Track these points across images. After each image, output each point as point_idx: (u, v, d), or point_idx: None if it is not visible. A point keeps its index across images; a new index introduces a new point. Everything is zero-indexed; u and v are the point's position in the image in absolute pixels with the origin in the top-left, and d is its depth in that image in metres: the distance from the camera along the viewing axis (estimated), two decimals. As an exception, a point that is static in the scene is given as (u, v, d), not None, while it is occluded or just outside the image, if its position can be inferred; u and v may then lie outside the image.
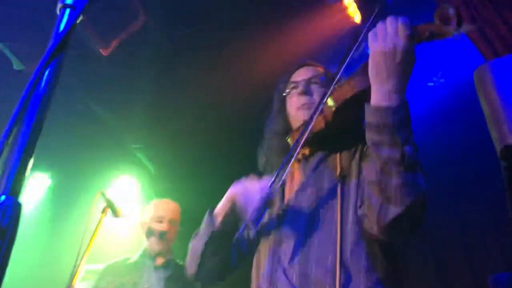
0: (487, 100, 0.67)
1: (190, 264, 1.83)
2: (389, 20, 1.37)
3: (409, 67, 1.34)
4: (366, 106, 1.37)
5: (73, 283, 3.02)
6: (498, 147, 0.66)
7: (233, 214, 1.67)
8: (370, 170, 1.39)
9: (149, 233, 3.30)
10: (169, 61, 4.24)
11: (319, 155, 1.77)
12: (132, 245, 4.98)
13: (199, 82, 4.40)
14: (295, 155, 1.66)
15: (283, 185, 1.79)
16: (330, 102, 1.64)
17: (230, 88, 4.35)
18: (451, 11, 1.32)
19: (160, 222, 3.29)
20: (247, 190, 1.62)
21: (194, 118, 4.79)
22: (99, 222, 3.33)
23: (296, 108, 1.85)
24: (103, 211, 3.38)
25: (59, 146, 4.59)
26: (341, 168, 1.63)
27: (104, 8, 3.17)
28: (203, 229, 1.76)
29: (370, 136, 1.36)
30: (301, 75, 1.91)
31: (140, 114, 4.66)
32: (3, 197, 0.59)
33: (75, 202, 5.13)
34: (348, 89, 1.58)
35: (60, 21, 0.74)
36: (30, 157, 0.63)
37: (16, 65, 3.53)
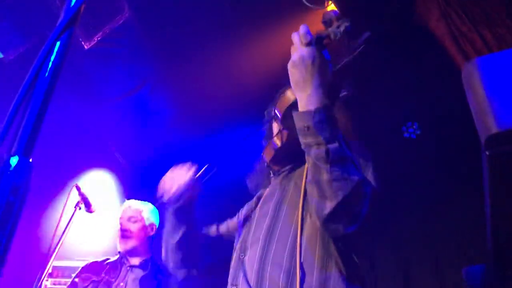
0: (474, 95, 0.72)
1: (162, 257, 2.00)
2: (292, 34, 1.51)
3: (321, 71, 1.46)
4: (293, 113, 1.50)
5: (42, 278, 2.99)
6: (483, 138, 0.71)
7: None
8: (308, 172, 1.49)
9: (117, 233, 3.32)
10: (150, 58, 4.23)
11: (287, 169, 1.87)
12: (106, 242, 4.94)
13: (180, 78, 4.41)
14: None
15: (258, 199, 1.92)
16: (277, 112, 1.78)
17: (212, 84, 4.36)
18: (332, 14, 1.50)
19: (127, 221, 3.31)
20: (172, 175, 1.89)
21: (175, 113, 4.79)
22: (72, 216, 3.31)
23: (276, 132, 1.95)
24: (77, 205, 3.36)
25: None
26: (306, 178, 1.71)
27: (88, 1, 3.15)
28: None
29: (300, 139, 1.48)
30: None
31: (118, 109, 4.63)
32: (16, 157, 0.60)
33: (48, 197, 5.04)
34: (289, 96, 1.70)
35: (71, -4, 0.76)
36: (42, 121, 0.65)
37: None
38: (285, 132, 1.78)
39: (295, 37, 1.49)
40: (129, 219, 3.32)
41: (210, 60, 4.19)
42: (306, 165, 1.67)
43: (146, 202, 3.53)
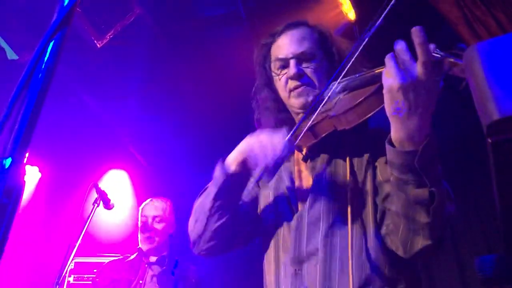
0: (475, 81, 0.70)
1: (194, 225, 1.66)
2: (400, 46, 1.15)
3: (431, 100, 1.15)
4: (386, 145, 1.26)
5: (63, 274, 3.04)
6: (485, 125, 0.69)
7: (245, 168, 1.51)
8: (395, 201, 1.32)
9: (140, 232, 3.35)
10: (163, 54, 4.24)
11: (325, 158, 1.61)
12: (123, 238, 5.01)
13: (193, 75, 4.41)
14: (314, 114, 1.50)
15: (292, 182, 1.67)
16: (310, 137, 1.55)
17: (225, 81, 4.36)
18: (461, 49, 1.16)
19: (147, 220, 3.33)
20: (261, 145, 1.45)
21: (188, 111, 4.80)
22: (91, 213, 3.35)
23: (288, 90, 1.64)
24: (95, 202, 3.40)
25: (50, 139, 4.58)
26: (352, 175, 1.52)
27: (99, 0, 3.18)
28: (213, 182, 1.59)
29: (393, 173, 1.26)
30: (288, 48, 1.64)
31: (134, 107, 4.66)
32: (9, 159, 0.61)
33: (66, 195, 5.12)
34: (359, 112, 1.43)
35: (64, -4, 0.76)
36: (35, 123, 0.65)
37: (10, 54, 3.52)
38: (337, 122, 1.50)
39: (405, 52, 1.15)
40: (154, 218, 3.34)
41: (222, 53, 4.18)
42: (347, 162, 1.52)
43: (166, 198, 3.55)
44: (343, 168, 1.55)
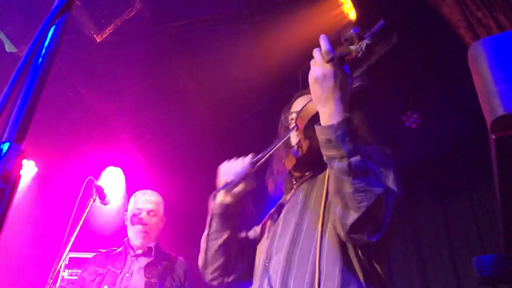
0: (479, 77, 0.69)
1: (199, 263, 1.98)
2: (314, 50, 1.55)
3: (343, 86, 1.51)
4: (315, 127, 1.54)
5: (58, 269, 3.03)
6: (489, 121, 0.68)
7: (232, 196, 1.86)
8: (330, 183, 1.53)
9: (129, 225, 3.32)
10: (163, 51, 4.23)
11: (308, 175, 1.91)
12: (118, 235, 5.00)
13: (193, 73, 4.40)
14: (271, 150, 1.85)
15: (281, 206, 1.95)
16: (298, 124, 1.82)
17: (223, 81, 4.36)
18: (353, 32, 1.53)
19: (139, 214, 3.29)
20: (229, 165, 1.86)
21: (186, 109, 4.79)
22: (86, 208, 3.33)
23: (296, 138, 1.95)
24: (91, 197, 3.38)
25: (47, 133, 4.56)
26: (327, 187, 1.72)
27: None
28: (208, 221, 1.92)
29: (323, 152, 1.52)
30: (300, 105, 1.99)
31: (131, 103, 4.64)
32: (7, 144, 0.60)
33: (61, 190, 5.10)
34: (311, 110, 1.75)
35: (65, -17, 0.75)
36: (34, 107, 0.64)
37: (8, 47, 3.50)
38: (306, 142, 1.82)
39: (317, 54, 1.53)
40: (148, 212, 3.31)
41: (222, 52, 4.18)
42: (327, 172, 1.71)
43: (156, 192, 3.52)
44: (321, 180, 1.81)
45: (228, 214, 1.87)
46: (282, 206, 1.95)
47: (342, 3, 3.48)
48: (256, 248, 1.97)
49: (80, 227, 3.19)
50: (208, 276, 1.96)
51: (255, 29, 4.06)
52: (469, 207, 4.74)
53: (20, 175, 0.59)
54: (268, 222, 1.97)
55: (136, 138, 5.27)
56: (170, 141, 5.18)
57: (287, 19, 3.85)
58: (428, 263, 4.82)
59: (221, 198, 1.86)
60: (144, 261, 3.16)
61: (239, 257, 1.96)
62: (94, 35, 3.57)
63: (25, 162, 5.23)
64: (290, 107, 2.10)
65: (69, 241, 3.08)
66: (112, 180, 5.60)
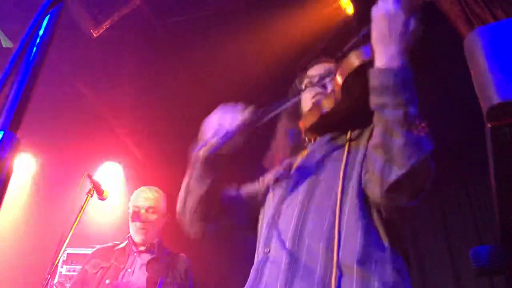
0: (475, 66, 0.69)
1: (178, 210, 1.80)
2: None
3: (412, 33, 1.35)
4: (370, 70, 1.38)
5: (55, 264, 3.03)
6: (485, 110, 0.68)
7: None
8: (374, 135, 1.38)
9: (131, 221, 3.31)
10: (161, 46, 4.22)
11: (327, 136, 1.74)
12: (117, 231, 5.00)
13: (191, 68, 4.40)
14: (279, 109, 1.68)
15: (290, 166, 1.78)
16: (338, 78, 1.60)
17: (220, 75, 4.35)
18: None
19: (139, 211, 3.29)
20: (221, 115, 1.68)
21: (184, 104, 4.78)
22: (84, 203, 3.32)
23: (310, 98, 1.83)
24: (89, 192, 3.37)
25: (44, 128, 4.55)
26: (349, 144, 1.61)
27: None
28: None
29: (374, 100, 1.37)
30: (316, 71, 1.91)
31: (129, 98, 4.63)
32: (1, 132, 0.59)
33: (60, 185, 5.10)
34: (353, 61, 1.54)
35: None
36: (29, 95, 0.64)
37: (5, 42, 3.48)
38: (340, 97, 1.60)
39: None
40: (147, 209, 3.30)
41: (219, 47, 4.17)
42: (348, 135, 1.61)
43: (158, 188, 3.51)
44: (342, 140, 1.67)
45: (213, 163, 1.66)
46: (290, 165, 1.78)
47: (339, -2, 3.48)
48: (242, 204, 1.81)
49: (78, 222, 3.19)
50: (187, 220, 1.77)
51: (253, 25, 4.05)
52: (466, 201, 4.76)
53: (13, 164, 0.59)
54: (271, 179, 1.79)
55: (134, 133, 5.26)
56: (168, 136, 5.17)
57: (285, 15, 3.85)
58: (426, 258, 4.84)
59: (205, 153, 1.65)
60: (146, 257, 3.15)
61: (222, 209, 1.77)
62: (91, 30, 3.55)
63: (23, 155, 5.24)
64: (305, 73, 1.94)
65: (67, 237, 3.08)
66: (110, 175, 5.59)
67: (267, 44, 4.11)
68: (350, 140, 1.62)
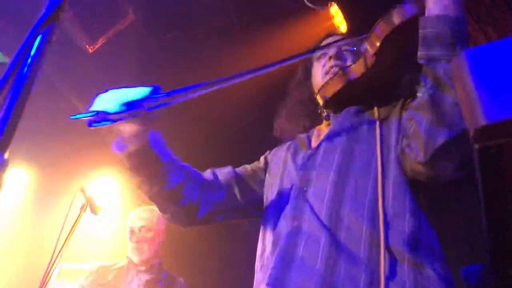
0: (462, 87, 0.70)
1: None
2: None
3: None
4: (421, 18, 1.25)
5: (47, 280, 3.00)
6: (471, 131, 0.69)
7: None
8: (419, 95, 1.23)
9: (129, 241, 3.30)
10: (156, 62, 4.24)
11: (353, 108, 1.56)
12: (112, 247, 4.96)
13: (184, 84, 4.40)
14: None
15: (309, 137, 1.63)
16: (373, 39, 1.42)
17: (215, 92, 4.36)
18: None
19: (134, 230, 3.29)
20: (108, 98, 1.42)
21: (177, 120, 4.78)
22: (77, 219, 3.31)
23: (324, 72, 1.65)
24: (82, 207, 3.36)
25: (38, 143, 4.53)
26: (380, 118, 1.44)
27: (92, 4, 3.17)
28: None
29: (424, 51, 1.22)
30: (332, 39, 1.72)
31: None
32: (-10, 151, 0.60)
33: (53, 200, 5.06)
34: (390, 23, 1.37)
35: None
36: (19, 116, 0.64)
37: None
38: (372, 60, 1.42)
39: None
40: (140, 229, 3.30)
41: (213, 63, 4.19)
42: (376, 107, 1.44)
43: (153, 207, 3.51)
44: (370, 111, 1.50)
45: (140, 163, 1.45)
46: (309, 136, 1.62)
47: (333, 16, 3.52)
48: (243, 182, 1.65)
49: (71, 238, 3.17)
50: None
51: (247, 40, 4.08)
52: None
53: (1, 183, 0.59)
54: (287, 151, 1.62)
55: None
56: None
57: (279, 31, 3.88)
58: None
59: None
60: (144, 277, 3.14)
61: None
62: (87, 46, 3.57)
63: (16, 171, 5.20)
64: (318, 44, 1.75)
65: (60, 252, 3.06)
66: (105, 190, 5.56)
67: (260, 61, 4.12)
68: (379, 115, 1.45)
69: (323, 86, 1.60)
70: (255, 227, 1.64)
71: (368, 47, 1.45)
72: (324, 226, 1.27)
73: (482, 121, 0.67)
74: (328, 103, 1.60)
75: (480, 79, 0.69)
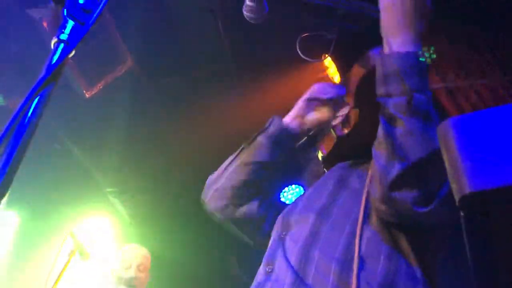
0: (448, 154, 0.73)
1: (209, 180, 1.78)
2: None
3: (422, 15, 1.25)
4: (376, 60, 1.27)
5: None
6: (457, 198, 0.71)
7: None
8: (378, 132, 1.24)
9: (118, 281, 3.24)
10: (151, 106, 4.28)
11: (346, 163, 1.60)
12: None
13: (179, 129, 4.44)
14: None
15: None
16: (348, 90, 1.48)
17: (209, 136, 4.39)
18: None
19: (128, 268, 3.23)
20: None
21: (171, 165, 4.79)
22: (65, 265, 3.25)
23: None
24: (71, 253, 3.31)
25: (30, 184, 4.50)
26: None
27: (91, 49, 3.23)
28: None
29: (378, 91, 1.23)
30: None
31: (117, 158, 4.63)
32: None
33: (44, 242, 4.98)
34: (358, 71, 1.43)
35: (54, 54, 0.79)
36: (14, 172, 0.65)
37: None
38: (356, 113, 1.45)
39: None
40: (138, 266, 3.25)
41: (209, 111, 4.24)
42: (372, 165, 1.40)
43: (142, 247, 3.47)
44: (361, 168, 1.51)
45: (281, 142, 1.57)
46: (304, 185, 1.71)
47: (327, 67, 3.59)
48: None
49: (59, 284, 3.10)
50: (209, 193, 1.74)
51: (242, 87, 4.14)
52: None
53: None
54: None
55: (120, 193, 5.22)
56: (155, 196, 5.14)
57: (273, 79, 3.94)
58: None
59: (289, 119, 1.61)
60: None
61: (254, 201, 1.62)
62: (84, 91, 3.61)
63: (7, 212, 5.13)
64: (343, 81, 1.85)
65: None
66: (96, 232, 5.48)
67: (255, 107, 4.17)
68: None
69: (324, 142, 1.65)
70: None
71: (347, 100, 1.51)
72: (291, 268, 1.26)
73: (467, 189, 0.68)
74: (324, 161, 1.65)
75: (465, 147, 0.71)
